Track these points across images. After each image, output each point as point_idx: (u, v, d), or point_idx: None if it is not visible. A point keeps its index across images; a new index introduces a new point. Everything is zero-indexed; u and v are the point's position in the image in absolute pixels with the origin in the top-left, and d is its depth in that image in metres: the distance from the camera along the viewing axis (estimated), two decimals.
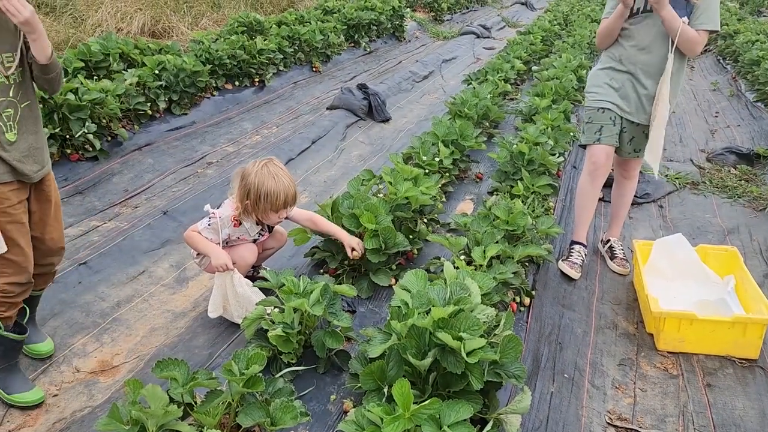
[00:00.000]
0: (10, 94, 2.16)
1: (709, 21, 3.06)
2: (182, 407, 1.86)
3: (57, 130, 4.22)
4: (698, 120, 7.02)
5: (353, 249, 2.96)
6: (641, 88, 3.25)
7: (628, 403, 2.66)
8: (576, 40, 9.11)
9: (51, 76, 2.24)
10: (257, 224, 2.85)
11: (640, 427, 2.51)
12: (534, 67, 8.05)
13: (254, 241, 2.92)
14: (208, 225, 2.73)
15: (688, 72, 9.35)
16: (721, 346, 2.91)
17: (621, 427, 2.51)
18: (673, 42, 3.06)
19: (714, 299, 3.07)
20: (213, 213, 2.73)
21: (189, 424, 1.89)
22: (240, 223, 2.78)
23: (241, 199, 2.73)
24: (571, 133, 5.01)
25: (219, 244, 2.72)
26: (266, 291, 2.72)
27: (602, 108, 3.35)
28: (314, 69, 7.76)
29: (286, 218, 2.99)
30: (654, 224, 4.36)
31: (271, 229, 3.00)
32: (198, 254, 2.88)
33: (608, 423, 2.53)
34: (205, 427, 1.81)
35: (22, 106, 2.21)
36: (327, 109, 6.44)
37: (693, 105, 7.64)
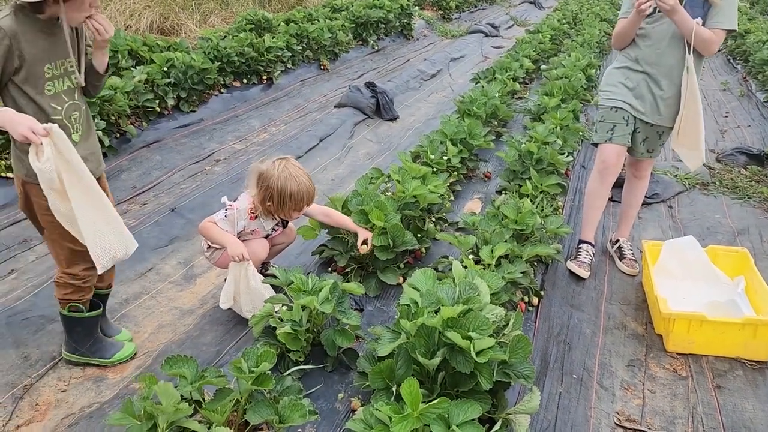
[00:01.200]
0: (75, 97, 2.28)
1: (726, 20, 3.03)
2: (191, 404, 1.86)
3: None
4: (708, 120, 6.97)
5: (364, 242, 2.96)
6: (657, 89, 3.22)
7: (636, 404, 2.65)
8: (585, 39, 9.07)
9: (100, 83, 2.43)
10: (273, 219, 2.87)
11: (649, 429, 2.50)
12: (543, 66, 8.02)
13: (267, 236, 2.93)
14: (225, 216, 2.74)
15: (700, 72, 9.29)
16: (731, 348, 2.88)
17: (629, 429, 2.50)
18: (689, 43, 3.04)
19: (724, 300, 3.05)
20: (230, 205, 2.75)
21: (198, 421, 1.89)
22: (256, 217, 2.81)
23: (262, 201, 2.77)
24: (580, 133, 4.98)
25: (234, 235, 2.74)
26: (275, 288, 2.72)
27: (615, 107, 3.32)
28: (322, 67, 7.76)
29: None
30: (663, 225, 4.34)
31: (285, 224, 3.01)
32: (208, 248, 2.89)
33: (617, 424, 2.52)
34: (214, 425, 1.81)
35: (83, 108, 2.32)
36: (335, 107, 6.44)
37: (703, 105, 7.55)
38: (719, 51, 10.32)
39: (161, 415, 1.76)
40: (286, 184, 2.70)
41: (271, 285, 2.72)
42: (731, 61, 9.76)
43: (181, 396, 1.90)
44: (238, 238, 2.79)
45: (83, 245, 2.21)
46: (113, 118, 4.61)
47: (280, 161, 2.76)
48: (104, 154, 4.43)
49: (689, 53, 3.07)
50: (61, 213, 2.12)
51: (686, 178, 5.02)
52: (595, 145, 3.50)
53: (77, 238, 2.19)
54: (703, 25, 3.01)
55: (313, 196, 2.84)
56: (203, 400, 2.01)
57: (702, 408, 2.60)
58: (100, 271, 2.27)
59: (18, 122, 1.99)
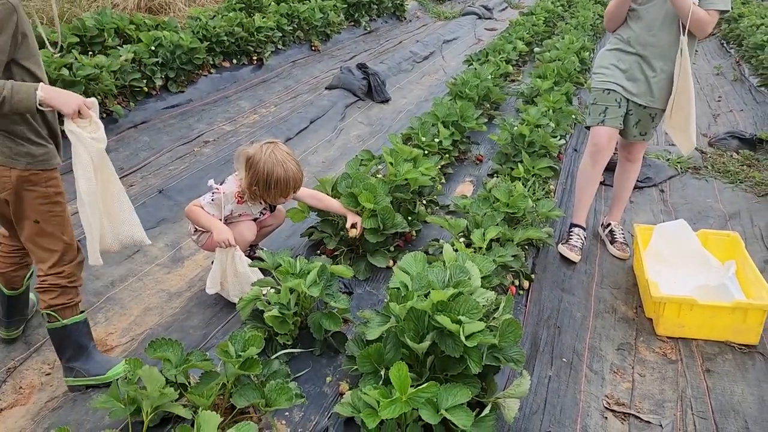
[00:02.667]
0: None
1: (720, 1, 3.00)
2: (177, 388, 1.84)
3: None
4: (701, 104, 6.94)
5: (353, 226, 2.93)
6: (650, 70, 3.19)
7: (626, 388, 2.64)
8: (579, 22, 9.01)
9: None
10: (260, 203, 2.82)
11: (638, 412, 2.50)
12: (536, 49, 7.96)
13: (255, 219, 2.89)
14: (212, 200, 2.69)
15: (693, 56, 9.26)
16: (721, 332, 2.88)
17: (619, 412, 2.49)
18: (684, 25, 3.00)
19: (714, 284, 3.04)
20: (217, 188, 2.70)
21: (183, 405, 1.86)
22: (243, 201, 2.76)
23: (249, 186, 2.70)
24: (573, 116, 4.95)
25: (221, 219, 2.69)
26: (263, 271, 2.69)
27: (608, 89, 3.29)
28: (313, 48, 7.66)
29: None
30: (655, 209, 4.33)
31: (273, 208, 2.97)
32: (195, 231, 2.85)
33: (606, 407, 2.51)
34: (200, 408, 1.78)
35: None
36: (326, 88, 6.36)
37: (696, 89, 7.53)
38: (713, 35, 10.30)
39: (146, 399, 1.74)
40: (273, 169, 2.64)
41: (259, 268, 2.68)
42: (724, 45, 9.72)
43: (167, 380, 1.88)
44: (226, 221, 2.74)
45: (73, 239, 2.17)
46: (99, 97, 4.52)
47: (268, 145, 2.70)
48: None
49: (683, 35, 3.03)
50: (85, 192, 2.06)
51: (678, 162, 5.00)
52: (588, 128, 3.47)
53: (84, 225, 2.09)
54: (698, 4, 2.98)
55: (301, 182, 2.78)
56: (189, 383, 1.98)
57: (691, 391, 2.61)
58: (92, 263, 2.15)
59: (69, 96, 1.99)
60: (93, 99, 2.07)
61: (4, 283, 2.40)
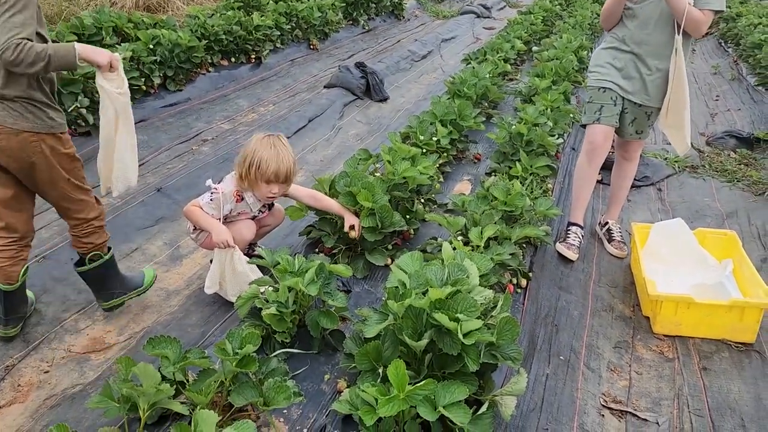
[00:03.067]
0: None
1: (715, 1, 3.01)
2: (174, 385, 1.84)
3: None
4: (698, 103, 6.96)
5: (352, 227, 2.93)
6: (644, 69, 3.20)
7: (623, 386, 2.65)
8: (577, 21, 9.02)
9: None
10: (259, 200, 2.82)
11: (635, 410, 2.50)
12: (534, 48, 7.97)
13: (254, 218, 2.89)
14: (210, 200, 2.69)
15: (690, 55, 9.27)
16: (717, 330, 2.89)
17: (616, 410, 2.50)
18: (679, 25, 3.01)
19: (711, 283, 3.05)
20: (215, 188, 2.69)
21: (181, 403, 1.87)
22: (242, 199, 2.75)
23: (238, 166, 2.71)
24: (571, 115, 4.96)
25: (220, 219, 2.68)
26: (262, 270, 2.69)
27: (603, 87, 3.30)
28: (312, 46, 7.66)
29: (287, 195, 2.96)
30: (652, 207, 4.34)
31: (271, 206, 2.96)
32: (194, 230, 2.85)
33: (603, 405, 2.52)
34: (198, 406, 1.79)
35: None
36: (324, 87, 6.37)
37: (693, 88, 7.58)
38: (711, 34, 10.31)
39: (142, 396, 1.74)
40: (260, 148, 2.64)
41: (258, 266, 2.68)
42: (722, 44, 9.73)
43: (164, 377, 1.88)
44: (225, 220, 2.74)
45: (89, 189, 2.50)
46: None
47: (270, 135, 2.72)
48: (88, 133, 4.38)
49: (678, 34, 3.04)
50: (103, 138, 2.43)
51: (676, 161, 5.01)
52: (584, 126, 3.48)
53: (104, 168, 2.48)
54: (693, 4, 2.99)
55: (287, 174, 2.69)
56: (187, 381, 1.99)
57: (688, 389, 2.61)
58: (115, 194, 2.59)
59: (101, 50, 2.29)
60: (118, 54, 2.32)
61: (2, 279, 2.42)
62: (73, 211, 2.49)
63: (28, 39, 2.11)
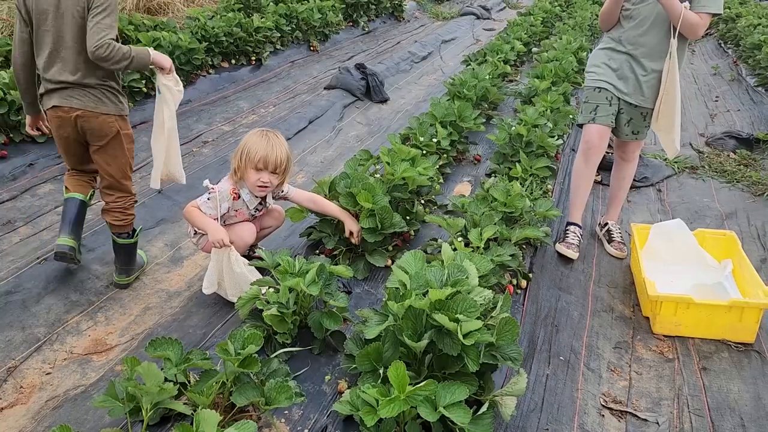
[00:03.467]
0: None
1: (712, 3, 3.02)
2: (177, 386, 1.85)
3: None
4: (698, 104, 6.98)
5: (352, 234, 2.96)
6: (640, 70, 3.22)
7: (623, 386, 2.66)
8: (577, 22, 9.03)
9: None
10: (255, 197, 2.83)
11: (635, 410, 2.51)
12: (534, 49, 7.99)
13: (252, 217, 2.90)
14: (208, 199, 2.71)
15: (689, 56, 9.29)
16: (717, 330, 2.90)
17: (616, 410, 2.51)
18: (675, 27, 3.02)
19: (711, 283, 3.06)
20: (212, 188, 2.71)
21: (183, 403, 1.88)
22: (239, 196, 2.76)
23: (232, 158, 2.75)
24: (571, 116, 4.97)
25: (217, 219, 2.70)
26: (261, 270, 2.70)
27: (599, 87, 3.32)
28: (312, 48, 7.68)
29: (287, 199, 2.97)
30: (652, 208, 4.35)
31: (265, 199, 2.94)
32: (195, 233, 2.86)
33: (603, 405, 2.53)
34: (200, 407, 1.80)
35: None
36: (324, 89, 6.38)
37: (693, 89, 7.60)
38: (710, 35, 10.33)
39: (145, 396, 1.75)
40: (252, 138, 2.69)
41: (258, 267, 2.69)
42: (722, 45, 9.75)
43: (166, 379, 1.89)
44: (223, 221, 2.76)
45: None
46: None
47: (264, 129, 2.77)
48: None
49: (674, 37, 3.05)
50: (168, 129, 2.85)
51: (675, 162, 5.02)
52: (581, 126, 3.49)
53: (158, 154, 2.89)
54: (690, 7, 3.00)
55: (276, 162, 2.68)
56: (189, 382, 2.00)
57: (688, 389, 2.62)
58: (154, 186, 2.97)
59: (164, 56, 2.80)
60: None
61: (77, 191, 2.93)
62: (123, 185, 2.89)
63: (114, 40, 2.56)
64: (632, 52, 3.21)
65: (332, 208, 3.02)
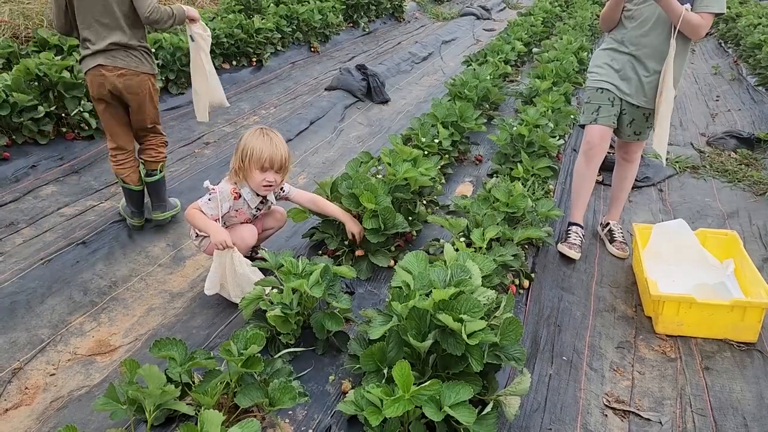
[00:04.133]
0: None
1: (715, 3, 3.02)
2: (180, 387, 1.85)
3: (52, 109, 4.17)
4: (699, 104, 6.98)
5: (354, 234, 2.97)
6: (642, 71, 3.22)
7: (626, 386, 2.66)
8: (577, 22, 9.04)
9: None
10: (256, 196, 2.83)
11: (638, 410, 2.52)
12: (535, 49, 7.99)
13: (254, 217, 2.90)
14: (209, 200, 2.71)
15: (689, 55, 9.28)
16: (719, 330, 2.91)
17: (619, 410, 2.51)
18: (675, 27, 3.03)
19: (713, 283, 3.06)
20: (213, 189, 2.71)
21: (187, 404, 1.88)
22: (240, 196, 2.77)
23: (233, 159, 2.76)
24: (572, 116, 4.97)
25: (219, 219, 2.70)
26: (264, 271, 2.71)
27: (601, 88, 3.32)
28: (312, 49, 7.69)
29: (288, 200, 2.98)
30: (654, 208, 4.35)
31: (266, 199, 2.95)
32: (197, 236, 2.86)
33: (606, 405, 2.53)
34: (203, 407, 1.80)
35: None
36: (325, 89, 6.38)
37: (694, 89, 7.60)
38: (711, 34, 10.33)
39: (147, 398, 1.75)
40: (254, 138, 2.69)
41: (260, 268, 2.70)
42: (722, 44, 9.76)
43: (170, 379, 1.90)
44: (225, 222, 2.76)
45: None
46: None
47: (261, 127, 2.78)
48: (91, 137, 4.40)
49: (673, 38, 3.05)
50: (208, 72, 3.48)
51: (677, 162, 5.03)
52: (582, 126, 3.49)
53: (202, 92, 3.54)
54: (692, 7, 3.00)
55: (281, 161, 2.71)
56: (193, 383, 2.00)
57: (690, 389, 2.63)
58: (202, 119, 3.65)
59: (191, 8, 3.31)
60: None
61: (131, 182, 3.37)
62: (156, 128, 3.43)
63: (157, 4, 3.12)
64: (635, 53, 3.21)
65: (333, 209, 3.02)
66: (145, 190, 3.48)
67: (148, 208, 3.56)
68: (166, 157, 3.51)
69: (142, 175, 3.43)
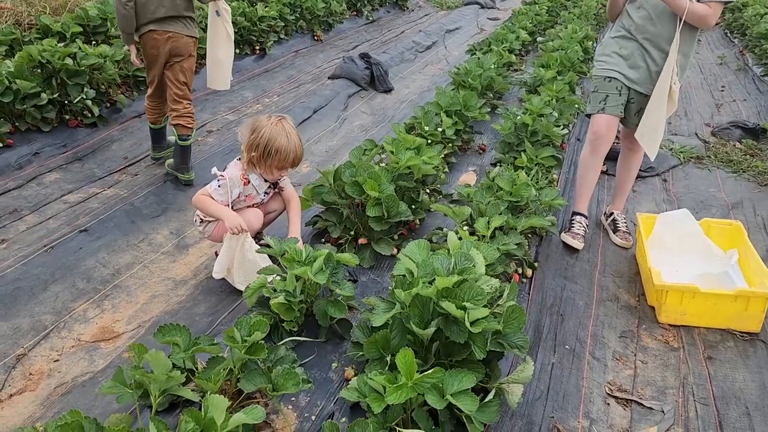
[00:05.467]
0: None
1: None
2: (184, 373, 1.86)
3: (55, 96, 4.17)
4: (704, 94, 6.94)
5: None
6: (650, 59, 3.19)
7: (628, 375, 2.67)
8: (582, 11, 8.98)
9: None
10: (264, 181, 2.83)
11: (640, 398, 2.52)
12: (539, 38, 7.94)
13: (261, 202, 2.91)
14: (218, 186, 2.71)
15: (695, 45, 9.22)
16: (722, 320, 2.90)
17: (621, 398, 2.52)
18: (680, 20, 3.00)
19: (717, 273, 3.05)
20: (222, 175, 2.71)
21: (191, 390, 1.89)
22: (249, 181, 2.77)
23: (248, 149, 2.73)
24: (576, 105, 4.95)
25: (228, 205, 2.71)
26: (272, 259, 2.71)
27: (609, 77, 3.30)
28: (316, 38, 7.66)
29: (281, 188, 2.99)
30: (658, 198, 4.34)
31: (275, 185, 2.97)
32: (201, 222, 2.86)
33: (608, 394, 2.54)
34: (208, 392, 1.81)
35: None
36: (328, 78, 6.36)
37: (699, 79, 7.55)
38: (717, 24, 10.24)
39: (153, 383, 1.76)
40: (277, 136, 2.69)
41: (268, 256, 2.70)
42: (728, 34, 9.69)
43: (174, 365, 1.90)
44: (233, 207, 2.76)
45: None
46: (103, 87, 4.54)
47: (277, 117, 2.77)
48: (94, 124, 4.40)
49: (678, 31, 3.02)
50: (222, 40, 4.01)
51: (681, 152, 5.00)
52: (588, 116, 3.47)
53: (227, 62, 4.12)
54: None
55: (300, 158, 2.81)
56: (196, 369, 2.01)
57: (693, 378, 2.63)
58: (224, 87, 4.30)
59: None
60: None
61: (152, 121, 4.04)
62: (186, 94, 3.85)
63: None
64: (642, 42, 3.18)
65: (293, 223, 2.95)
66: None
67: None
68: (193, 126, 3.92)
69: (177, 140, 3.85)
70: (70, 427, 1.46)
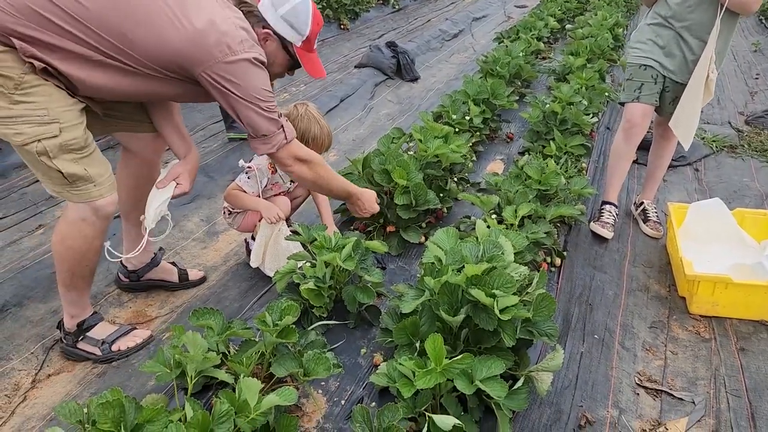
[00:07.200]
0: None
1: None
2: (219, 355, 1.90)
3: None
4: (738, 82, 6.79)
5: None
6: (687, 48, 3.12)
7: (658, 365, 2.64)
8: None
9: None
10: None
11: (671, 389, 2.50)
12: (568, 26, 7.83)
13: (288, 190, 2.93)
14: (248, 178, 2.75)
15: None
16: (756, 311, 2.86)
17: (651, 389, 2.50)
18: (722, 6, 2.93)
19: (750, 263, 3.00)
20: (249, 166, 2.75)
21: (225, 372, 1.93)
22: (276, 171, 2.80)
23: None
24: (606, 93, 4.88)
25: (259, 195, 2.75)
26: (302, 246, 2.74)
27: (644, 65, 3.24)
28: (342, 26, 7.65)
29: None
30: (689, 187, 4.27)
31: None
32: (230, 213, 2.90)
33: (638, 384, 2.52)
34: (241, 375, 1.84)
35: None
36: (355, 67, 6.36)
37: (733, 66, 7.38)
38: None
39: (190, 363, 1.79)
40: (310, 125, 2.73)
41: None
42: (763, 21, 9.44)
43: (208, 348, 1.93)
44: (261, 196, 2.79)
45: None
46: None
47: (301, 105, 2.80)
48: None
49: (719, 17, 2.95)
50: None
51: (714, 141, 4.91)
52: (622, 104, 3.42)
53: None
54: None
55: (331, 142, 2.86)
56: (228, 352, 2.04)
57: (725, 370, 2.59)
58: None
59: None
60: None
61: None
62: None
63: None
64: (680, 30, 3.12)
65: (324, 209, 3.01)
66: None
67: None
68: None
69: None
70: (111, 405, 1.50)
